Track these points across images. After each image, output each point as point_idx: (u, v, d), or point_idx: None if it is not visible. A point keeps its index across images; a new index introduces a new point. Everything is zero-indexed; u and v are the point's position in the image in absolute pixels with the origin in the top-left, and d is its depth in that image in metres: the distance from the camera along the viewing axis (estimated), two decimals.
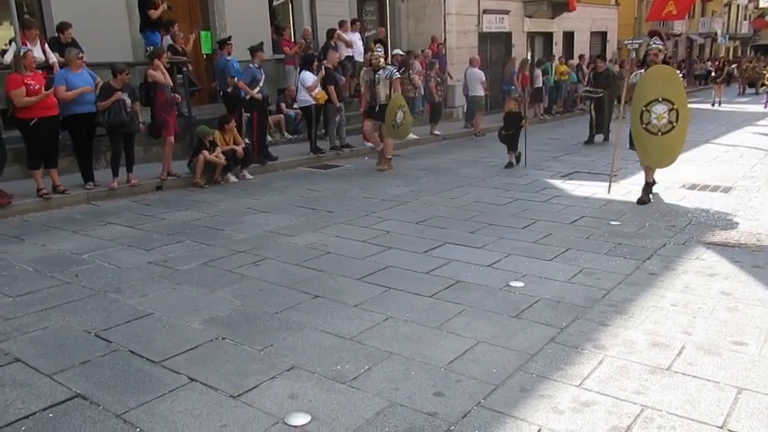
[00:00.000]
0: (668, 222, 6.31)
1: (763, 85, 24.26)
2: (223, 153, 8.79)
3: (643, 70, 7.35)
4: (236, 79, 9.73)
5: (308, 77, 10.46)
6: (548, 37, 21.36)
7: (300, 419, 2.91)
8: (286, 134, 12.23)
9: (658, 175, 7.54)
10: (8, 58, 7.97)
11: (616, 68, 16.48)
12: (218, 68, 10.52)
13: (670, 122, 6.67)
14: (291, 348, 3.65)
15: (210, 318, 4.13)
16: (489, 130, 13.08)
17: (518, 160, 9.94)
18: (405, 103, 9.87)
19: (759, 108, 20.49)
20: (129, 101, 7.86)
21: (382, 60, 9.82)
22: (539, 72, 16.58)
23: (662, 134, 6.72)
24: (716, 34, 41.37)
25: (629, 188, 7.84)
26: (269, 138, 10.93)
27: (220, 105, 10.64)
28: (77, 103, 7.73)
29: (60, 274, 5.09)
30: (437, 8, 16.38)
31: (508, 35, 19.05)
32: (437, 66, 14.04)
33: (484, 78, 14.28)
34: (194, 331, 3.92)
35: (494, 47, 18.56)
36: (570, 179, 8.88)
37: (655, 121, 6.72)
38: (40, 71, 7.62)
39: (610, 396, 3.05)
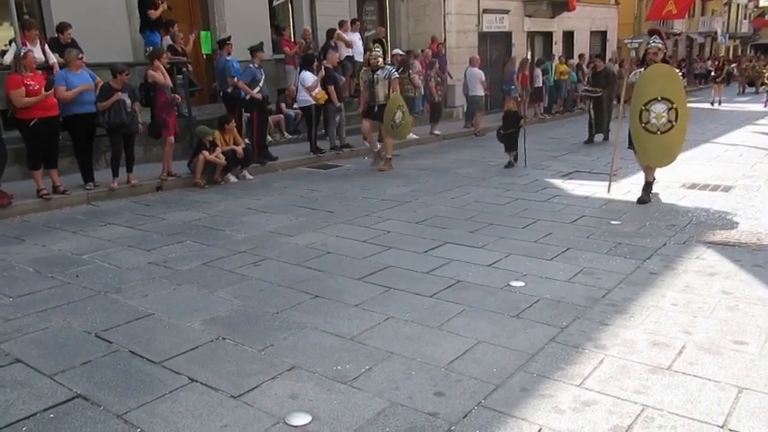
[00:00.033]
0: (668, 222, 6.31)
1: (763, 84, 24.27)
2: (223, 153, 8.79)
3: (642, 69, 7.34)
4: (236, 79, 9.73)
5: (308, 77, 10.46)
6: (547, 36, 21.35)
7: (301, 419, 2.91)
8: (286, 134, 12.24)
9: (658, 174, 7.54)
10: (8, 58, 7.98)
11: (616, 68, 16.48)
12: (218, 69, 10.52)
13: (669, 122, 6.65)
14: (292, 348, 3.65)
15: (211, 318, 4.13)
16: (489, 130, 13.06)
17: (516, 159, 9.92)
18: (404, 103, 9.86)
19: (759, 107, 20.49)
20: (129, 101, 7.86)
21: (381, 60, 9.82)
22: (539, 72, 16.57)
23: (661, 133, 6.71)
24: (716, 33, 41.37)
25: (629, 188, 7.84)
26: (269, 138, 10.94)
27: (220, 105, 10.64)
28: (77, 104, 7.74)
29: (61, 274, 5.09)
30: (437, 8, 16.38)
31: (508, 35, 19.04)
32: (437, 65, 14.04)
33: (484, 78, 14.27)
34: (195, 331, 3.92)
35: (494, 46, 18.55)
36: (570, 179, 8.88)
37: (654, 121, 6.71)
38: (40, 72, 7.62)
39: (610, 396, 3.05)
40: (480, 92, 14.19)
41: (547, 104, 17.64)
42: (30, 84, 7.12)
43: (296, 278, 4.86)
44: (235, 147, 8.97)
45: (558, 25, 21.32)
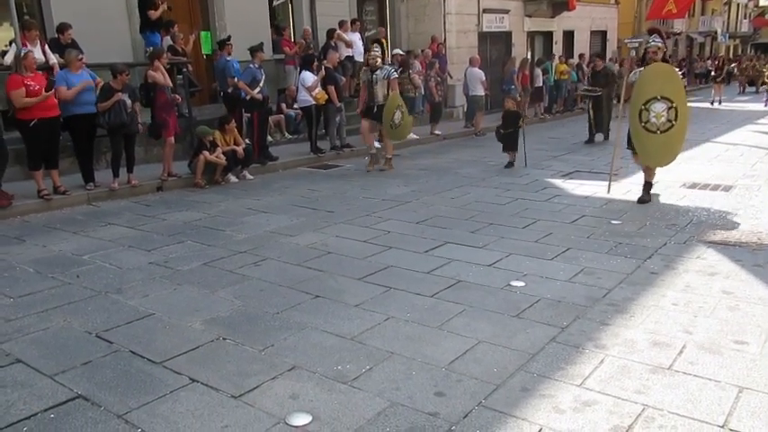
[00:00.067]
0: (669, 221, 6.31)
1: (763, 83, 24.27)
2: (223, 153, 8.80)
3: (642, 68, 7.33)
4: (236, 79, 9.73)
5: (309, 77, 10.46)
6: (548, 36, 21.36)
7: (301, 419, 2.91)
8: (286, 134, 12.24)
9: (659, 174, 7.54)
10: (8, 59, 7.98)
11: (616, 67, 16.47)
12: (219, 69, 10.52)
13: (669, 121, 6.62)
14: (292, 348, 3.65)
15: (211, 318, 4.13)
16: (489, 130, 13.05)
17: (514, 159, 9.90)
18: (402, 103, 9.84)
19: (759, 106, 20.49)
20: (129, 101, 7.87)
21: (379, 60, 9.81)
22: (539, 71, 16.57)
23: (661, 133, 6.68)
24: (716, 33, 41.37)
25: (629, 187, 7.84)
26: (269, 138, 10.94)
27: (221, 106, 10.64)
28: (78, 104, 7.75)
29: (61, 274, 5.10)
30: (437, 8, 16.38)
31: (508, 34, 19.04)
32: (437, 65, 14.04)
33: (484, 78, 14.28)
34: (195, 332, 3.93)
35: (494, 46, 18.55)
36: (571, 178, 8.88)
37: (654, 120, 6.68)
38: (40, 72, 7.62)
39: (611, 395, 3.05)
40: (480, 92, 14.19)
41: (547, 104, 17.64)
42: (30, 84, 7.13)
43: (296, 278, 4.86)
44: (235, 147, 8.98)
45: (558, 25, 21.32)
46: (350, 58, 13.21)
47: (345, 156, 11.13)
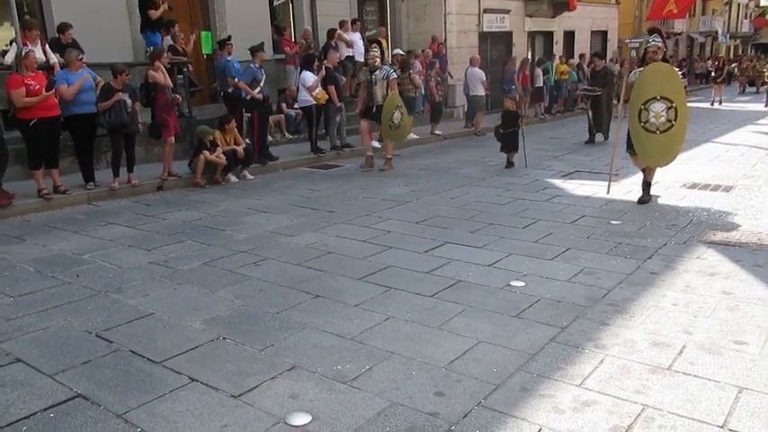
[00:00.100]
0: (669, 222, 6.31)
1: (763, 83, 24.25)
2: (224, 153, 8.80)
3: (642, 68, 7.32)
4: (236, 79, 9.73)
5: (309, 77, 10.47)
6: (548, 36, 21.35)
7: (301, 419, 2.91)
8: (287, 134, 12.24)
9: (659, 174, 7.53)
10: (9, 58, 7.99)
11: (617, 68, 16.46)
12: (219, 69, 10.52)
13: (669, 121, 6.60)
14: (292, 348, 3.66)
15: (211, 318, 4.14)
16: (490, 130, 13.02)
17: (509, 159, 9.89)
18: (402, 103, 9.81)
19: (760, 107, 20.49)
20: (129, 101, 7.87)
21: (378, 61, 9.80)
22: (539, 71, 16.57)
23: (660, 133, 6.66)
24: (716, 33, 41.36)
25: (629, 188, 7.84)
26: (269, 138, 10.93)
27: (221, 105, 10.64)
28: (78, 104, 7.75)
29: (61, 274, 5.10)
30: (437, 7, 16.38)
31: (509, 34, 19.04)
32: (437, 65, 14.04)
33: (484, 78, 14.27)
34: (195, 331, 3.93)
35: (494, 46, 18.55)
36: (571, 179, 8.87)
37: (653, 120, 6.67)
38: (41, 72, 7.62)
39: (610, 396, 3.05)
40: (481, 92, 14.20)
41: (547, 104, 17.64)
42: (30, 84, 7.13)
43: (296, 278, 4.86)
44: (235, 147, 8.98)
45: (558, 25, 21.32)
46: (350, 58, 13.21)
47: (345, 156, 11.12)
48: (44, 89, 7.23)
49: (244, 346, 3.70)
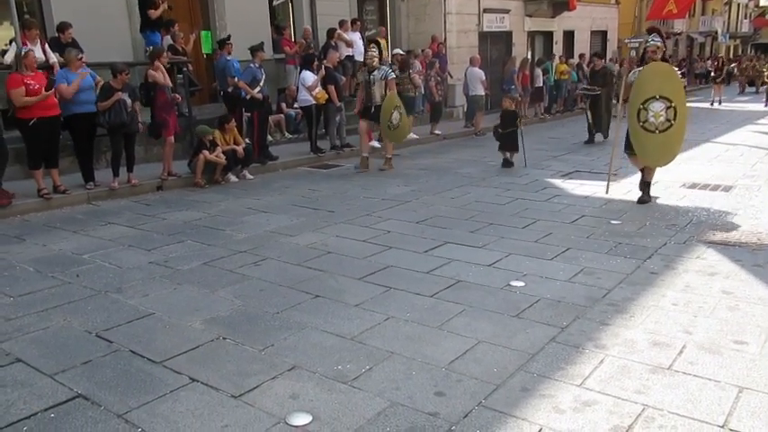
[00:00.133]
0: (669, 221, 6.31)
1: (763, 83, 24.25)
2: (223, 153, 8.80)
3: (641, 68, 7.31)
4: (236, 79, 9.73)
5: (309, 77, 10.46)
6: (548, 36, 21.35)
7: (302, 419, 2.91)
8: (286, 134, 12.24)
9: (658, 174, 7.53)
10: (9, 58, 7.98)
11: (616, 67, 16.46)
12: (219, 68, 10.52)
13: (668, 120, 6.59)
14: (292, 348, 3.65)
15: (211, 318, 4.14)
16: (489, 130, 13.02)
17: (509, 159, 9.88)
18: (400, 104, 9.78)
19: (759, 107, 20.50)
20: (129, 101, 7.87)
21: (376, 61, 9.79)
22: (539, 71, 16.58)
23: (659, 132, 6.64)
24: (716, 33, 41.36)
25: (629, 187, 7.84)
26: (269, 137, 10.93)
27: (221, 105, 10.64)
28: (78, 103, 7.75)
29: (61, 274, 5.10)
30: (437, 7, 16.38)
31: (508, 34, 19.04)
32: (437, 65, 14.04)
33: (484, 78, 14.28)
34: (195, 331, 3.93)
35: (494, 46, 18.55)
36: (571, 178, 8.88)
37: (652, 119, 6.65)
38: (40, 71, 7.62)
39: (611, 395, 3.05)
40: (481, 91, 14.20)
41: (547, 104, 17.65)
42: (30, 83, 7.13)
43: (296, 278, 4.86)
44: (235, 146, 8.98)
45: (558, 25, 21.32)
46: (350, 58, 13.21)
47: (345, 155, 11.12)
48: (44, 89, 7.23)
49: (244, 346, 3.70)
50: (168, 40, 10.27)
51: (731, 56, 42.12)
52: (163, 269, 5.18)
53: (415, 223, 6.49)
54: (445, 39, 16.18)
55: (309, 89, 10.43)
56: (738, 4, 47.45)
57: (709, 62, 33.20)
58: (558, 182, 8.65)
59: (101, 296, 4.58)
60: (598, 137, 12.63)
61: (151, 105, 8.49)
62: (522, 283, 4.62)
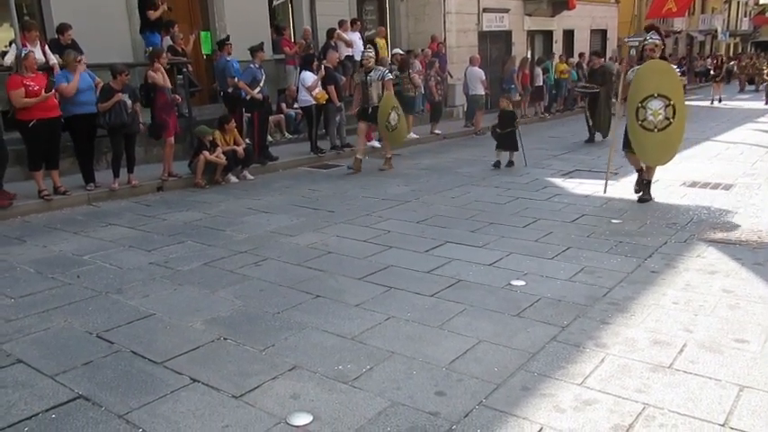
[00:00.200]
0: (669, 220, 6.31)
1: (763, 81, 24.23)
2: (224, 153, 8.80)
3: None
4: (236, 79, 9.73)
5: (309, 77, 10.47)
6: (548, 35, 21.35)
7: (302, 419, 2.91)
8: (286, 134, 12.24)
9: (659, 172, 7.53)
10: (9, 59, 7.99)
11: (616, 66, 16.44)
12: (219, 69, 10.52)
13: (667, 119, 6.55)
14: (293, 348, 3.66)
15: (212, 318, 4.14)
16: (490, 129, 13.06)
17: (508, 159, 9.87)
18: (397, 104, 9.76)
19: (759, 105, 20.50)
20: (129, 102, 7.87)
21: (373, 61, 9.78)
22: (539, 70, 16.57)
23: (658, 131, 6.60)
24: (716, 31, 41.32)
25: (629, 186, 7.82)
26: (269, 138, 10.94)
27: (221, 106, 10.64)
28: (78, 105, 7.76)
29: (62, 275, 5.10)
30: (437, 7, 16.37)
31: (508, 34, 19.03)
32: (437, 65, 14.04)
33: (484, 77, 14.27)
34: (196, 332, 3.93)
35: (494, 45, 18.54)
36: (571, 177, 8.88)
37: (651, 118, 6.62)
38: (41, 72, 7.62)
39: (611, 394, 3.05)
40: (480, 91, 14.19)
41: (547, 103, 17.64)
42: (29, 84, 7.13)
43: (297, 278, 4.86)
44: (235, 147, 8.98)
45: (558, 24, 21.32)
46: (350, 58, 13.20)
47: (345, 155, 11.11)
48: (44, 90, 7.23)
49: (244, 346, 3.71)
50: (168, 40, 10.27)
51: (731, 54, 42.08)
52: (163, 270, 5.18)
53: (416, 223, 6.49)
54: (445, 38, 16.17)
55: (309, 89, 10.44)
56: (738, 2, 47.42)
57: (709, 60, 33.18)
58: (558, 181, 8.65)
59: (101, 297, 4.58)
60: (598, 136, 12.61)
61: (151, 106, 8.49)
62: (522, 283, 4.62)
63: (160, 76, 8.34)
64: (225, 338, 3.82)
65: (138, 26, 10.59)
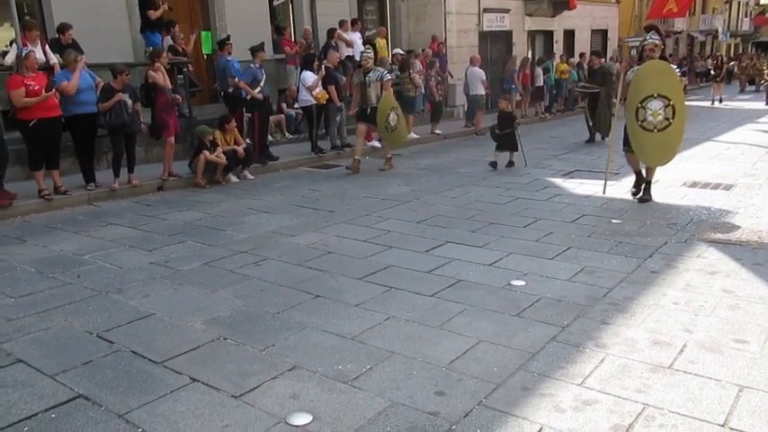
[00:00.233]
0: (669, 220, 6.31)
1: (763, 81, 24.22)
2: (224, 153, 8.80)
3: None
4: (236, 79, 9.73)
5: (309, 77, 10.47)
6: (548, 35, 21.35)
7: (302, 419, 2.91)
8: (287, 134, 12.24)
9: (659, 172, 7.52)
10: (9, 59, 7.99)
11: (617, 66, 16.42)
12: (219, 69, 10.52)
13: (666, 119, 6.54)
14: (293, 348, 3.66)
15: (212, 318, 4.14)
16: (489, 130, 13.06)
17: (508, 159, 9.87)
18: (396, 104, 9.75)
19: (760, 105, 20.49)
20: (130, 101, 7.87)
21: (371, 62, 9.78)
22: (539, 70, 16.57)
23: (658, 131, 6.59)
24: (717, 31, 41.30)
25: (629, 187, 7.82)
26: (270, 138, 10.94)
27: (221, 106, 10.64)
28: (79, 104, 7.76)
29: (62, 274, 5.10)
30: (437, 7, 16.38)
31: (509, 34, 19.03)
32: (437, 65, 14.03)
33: (484, 77, 14.27)
34: (196, 331, 3.93)
35: (494, 46, 18.54)
36: (571, 178, 8.88)
37: (650, 118, 6.62)
38: (41, 72, 7.62)
39: (611, 395, 3.05)
40: (481, 91, 14.19)
41: (548, 103, 17.64)
42: (30, 84, 7.14)
43: (297, 278, 4.86)
44: (236, 147, 8.98)
45: (558, 24, 21.32)
46: (350, 58, 13.20)
47: (346, 155, 11.10)
48: (44, 89, 7.24)
49: (244, 346, 3.71)
50: (168, 40, 10.28)
51: (731, 54, 42.07)
52: (163, 269, 5.18)
53: (416, 223, 6.49)
54: (445, 38, 16.17)
55: (310, 89, 10.44)
56: (739, 3, 47.40)
57: (710, 61, 33.17)
58: (558, 181, 8.65)
59: (101, 297, 4.58)
60: (598, 136, 12.60)
61: (152, 106, 8.50)
62: (522, 283, 4.62)
63: (161, 76, 8.34)
64: (225, 338, 3.82)
65: (139, 26, 10.59)
